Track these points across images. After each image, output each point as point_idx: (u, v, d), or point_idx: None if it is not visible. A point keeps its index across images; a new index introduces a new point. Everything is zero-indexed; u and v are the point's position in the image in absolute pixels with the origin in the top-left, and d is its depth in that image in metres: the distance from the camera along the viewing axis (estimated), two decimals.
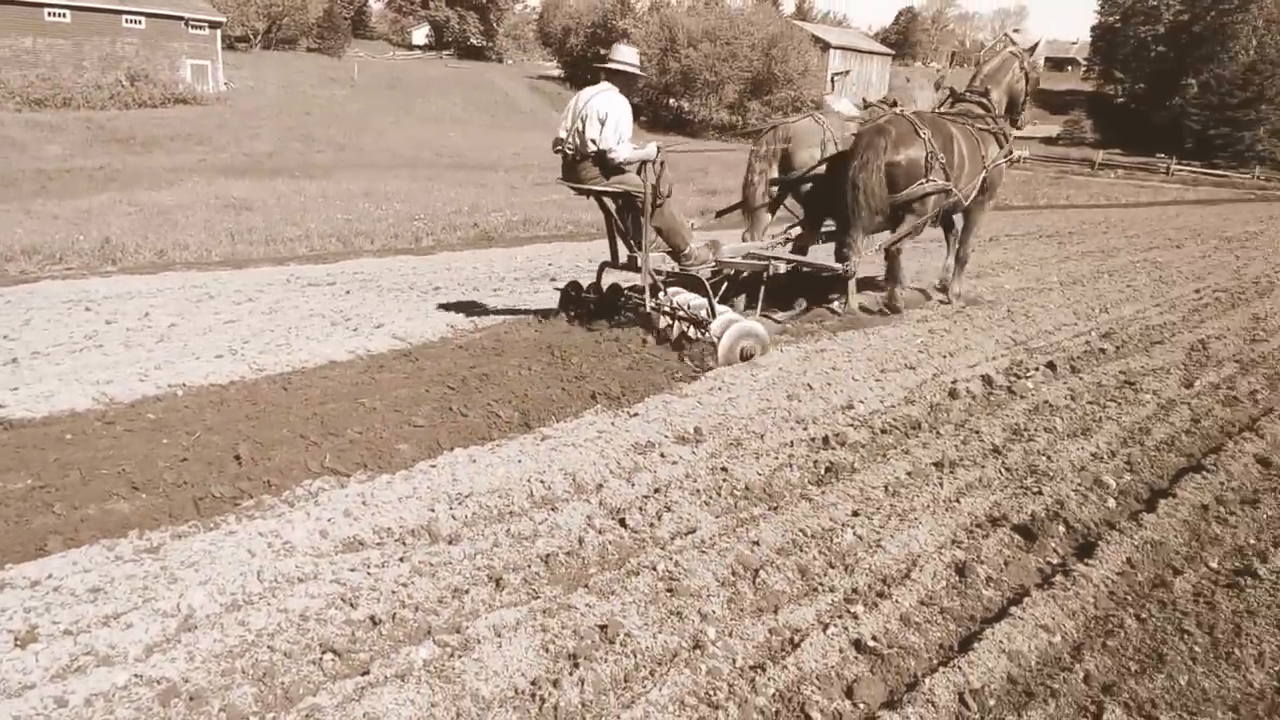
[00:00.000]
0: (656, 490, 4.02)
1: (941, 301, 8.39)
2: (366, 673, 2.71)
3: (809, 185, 7.68)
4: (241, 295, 8.70)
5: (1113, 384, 5.78)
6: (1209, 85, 57.26)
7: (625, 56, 6.32)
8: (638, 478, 4.13)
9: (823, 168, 7.53)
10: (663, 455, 4.43)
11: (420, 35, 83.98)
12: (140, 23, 44.96)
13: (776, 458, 4.42)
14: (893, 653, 2.86)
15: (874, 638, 2.91)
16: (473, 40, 78.84)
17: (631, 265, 6.58)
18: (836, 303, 7.69)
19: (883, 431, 4.85)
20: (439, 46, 79.63)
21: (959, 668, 2.74)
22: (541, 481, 4.04)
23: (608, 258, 6.88)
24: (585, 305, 7.06)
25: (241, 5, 58.09)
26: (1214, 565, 3.46)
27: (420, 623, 2.97)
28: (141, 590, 3.09)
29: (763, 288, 7.10)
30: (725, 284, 6.74)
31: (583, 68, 68.03)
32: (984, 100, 8.13)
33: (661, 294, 6.50)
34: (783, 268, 7.14)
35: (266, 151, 34.18)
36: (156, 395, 5.28)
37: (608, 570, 3.34)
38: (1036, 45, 8.68)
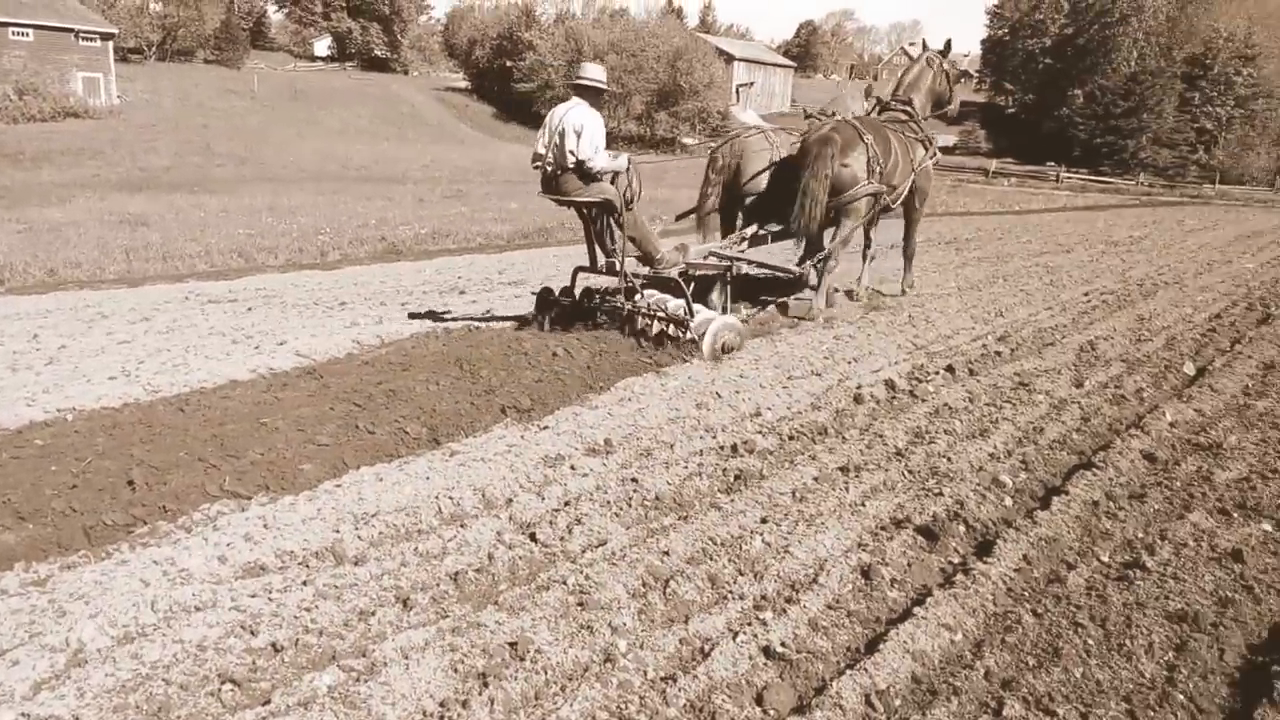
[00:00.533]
0: (567, 503, 4.01)
1: (883, 295, 9.20)
2: (268, 702, 2.63)
3: (757, 196, 8.17)
4: (137, 314, 8.41)
5: (1008, 385, 5.98)
6: (1094, 95, 59.77)
7: (593, 73, 6.70)
8: (548, 491, 4.11)
9: (764, 178, 8.08)
10: (573, 468, 4.42)
11: (322, 46, 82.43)
12: (28, 35, 43.25)
13: (686, 467, 4.44)
14: (801, 658, 2.90)
15: (783, 644, 2.94)
16: (377, 52, 77.82)
17: (610, 270, 7.00)
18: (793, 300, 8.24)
19: (790, 438, 4.92)
20: (342, 58, 78.31)
21: (865, 670, 2.79)
22: (450, 498, 3.99)
23: (530, 269, 7.00)
24: (560, 309, 7.37)
25: (135, 16, 56.36)
26: (1105, 559, 3.59)
27: (324, 648, 2.90)
28: (28, 625, 2.95)
29: (728, 287, 7.59)
30: (691, 285, 7.06)
31: (489, 79, 67.77)
32: (908, 108, 8.85)
33: (638, 296, 6.93)
34: (745, 269, 7.68)
35: (163, 166, 33.10)
36: (45, 420, 5.05)
37: (518, 586, 3.32)
38: (949, 43, 9.38)
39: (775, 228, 8.11)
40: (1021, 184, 48.02)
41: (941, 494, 4.15)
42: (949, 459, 4.62)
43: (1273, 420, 5.39)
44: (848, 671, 2.79)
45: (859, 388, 5.82)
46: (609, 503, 4.02)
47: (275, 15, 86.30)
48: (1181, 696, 2.73)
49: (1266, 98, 60.20)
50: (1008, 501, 4.15)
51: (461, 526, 3.75)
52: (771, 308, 8.18)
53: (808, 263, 8.08)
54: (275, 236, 14.54)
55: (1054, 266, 12.24)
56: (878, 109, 9.10)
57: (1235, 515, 3.99)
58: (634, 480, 4.23)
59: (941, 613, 3.11)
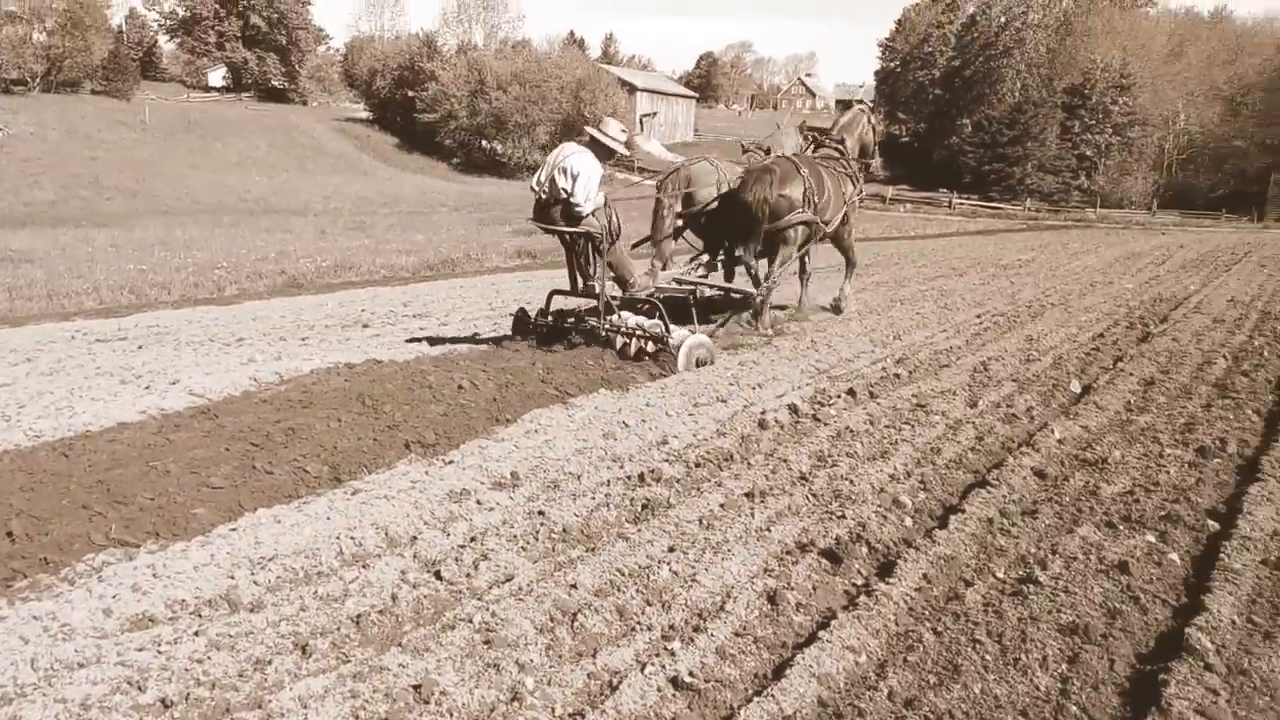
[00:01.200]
0: (473, 539, 3.96)
1: (824, 308, 10.18)
2: None
3: (706, 218, 9.05)
4: (18, 355, 8.04)
5: (906, 407, 6.13)
6: (981, 125, 62.25)
7: (610, 130, 7.45)
8: (453, 527, 4.06)
9: (716, 202, 8.92)
10: (479, 502, 4.37)
11: (217, 77, 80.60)
12: None
13: (594, 498, 4.44)
14: (709, 687, 2.90)
15: (691, 673, 2.94)
16: (274, 82, 76.53)
17: (588, 293, 7.62)
18: (745, 320, 8.96)
19: (697, 465, 4.95)
20: (238, 88, 76.71)
21: (772, 696, 2.81)
22: (352, 538, 3.90)
23: (435, 302, 6.99)
24: (537, 329, 7.92)
25: (17, 47, 54.26)
26: (1000, 575, 3.70)
27: (218, 701, 2.79)
28: None
29: (694, 309, 8.32)
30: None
31: (391, 109, 67.17)
32: (840, 147, 9.85)
33: (615, 316, 7.51)
34: (709, 292, 8.58)
35: (49, 200, 31.87)
36: None
37: (422, 626, 3.25)
38: (875, 104, 10.16)
39: (738, 253, 9.03)
40: (916, 209, 49.63)
41: (844, 516, 4.22)
42: (851, 481, 4.70)
43: (1154, 435, 5.64)
44: (755, 699, 2.81)
45: (763, 413, 5.90)
46: (516, 537, 3.98)
47: (167, 45, 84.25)
48: (1075, 708, 2.82)
49: (1142, 125, 63.49)
50: (908, 521, 4.25)
51: (364, 567, 3.67)
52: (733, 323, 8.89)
53: (764, 285, 8.80)
54: (169, 271, 14.11)
55: (948, 290, 12.65)
56: (812, 145, 10.02)
57: (1121, 528, 4.16)
58: (541, 513, 4.20)
59: (845, 635, 3.16)
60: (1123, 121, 62.58)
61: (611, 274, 7.59)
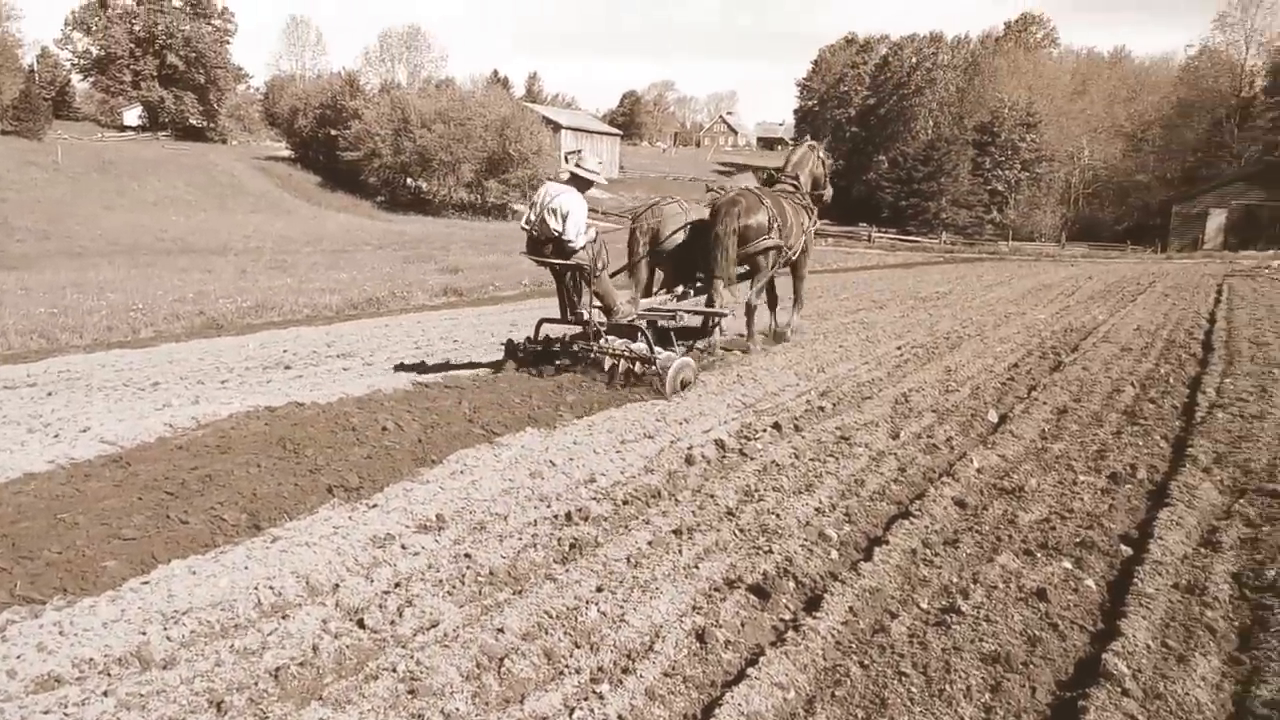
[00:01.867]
0: (397, 585, 3.89)
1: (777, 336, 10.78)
2: None
3: (675, 251, 9.70)
4: None
5: (831, 440, 6.22)
6: (897, 161, 64.10)
7: (588, 164, 8.13)
8: (377, 573, 3.98)
9: (680, 236, 9.61)
10: (403, 547, 4.29)
11: (133, 116, 78.91)
12: None
13: (520, 538, 4.40)
14: None
15: (620, 716, 2.92)
16: (192, 121, 75.21)
17: (577, 320, 8.26)
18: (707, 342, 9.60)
19: (624, 503, 4.95)
20: (154, 127, 75.17)
21: None
22: (271, 588, 3.79)
23: (360, 341, 6.88)
24: (527, 355, 8.50)
25: None
26: (924, 606, 3.76)
27: None
28: None
29: (672, 334, 8.99)
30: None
31: (314, 148, 66.49)
32: (795, 182, 10.65)
33: (603, 340, 8.13)
34: (686, 318, 9.23)
35: None
36: None
37: (345, 678, 3.17)
38: (826, 141, 11.57)
39: (698, 284, 9.82)
40: (838, 243, 50.67)
41: (771, 551, 4.25)
42: (778, 515, 4.74)
43: (1068, 462, 5.81)
44: None
45: (690, 449, 5.93)
46: (441, 581, 3.92)
47: (80, 84, 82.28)
48: None
49: (1049, 161, 66.04)
50: (833, 555, 4.30)
51: (283, 618, 3.57)
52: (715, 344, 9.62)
53: (728, 307, 9.48)
54: (81, 314, 13.65)
55: (869, 322, 12.91)
56: (769, 181, 10.95)
57: (1039, 555, 4.26)
58: (467, 556, 4.15)
59: (774, 671, 3.17)
60: (1030, 158, 65.07)
61: (598, 302, 8.27)
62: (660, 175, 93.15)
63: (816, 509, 4.88)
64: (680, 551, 4.26)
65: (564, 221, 7.73)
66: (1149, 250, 52.87)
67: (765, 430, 6.47)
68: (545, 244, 7.96)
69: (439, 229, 48.22)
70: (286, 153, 71.30)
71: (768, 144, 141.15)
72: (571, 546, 4.33)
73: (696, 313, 9.49)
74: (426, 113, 60.82)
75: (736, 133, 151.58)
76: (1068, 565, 4.13)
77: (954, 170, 62.10)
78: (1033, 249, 53.66)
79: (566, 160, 70.79)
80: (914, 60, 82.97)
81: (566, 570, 4.05)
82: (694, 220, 9.63)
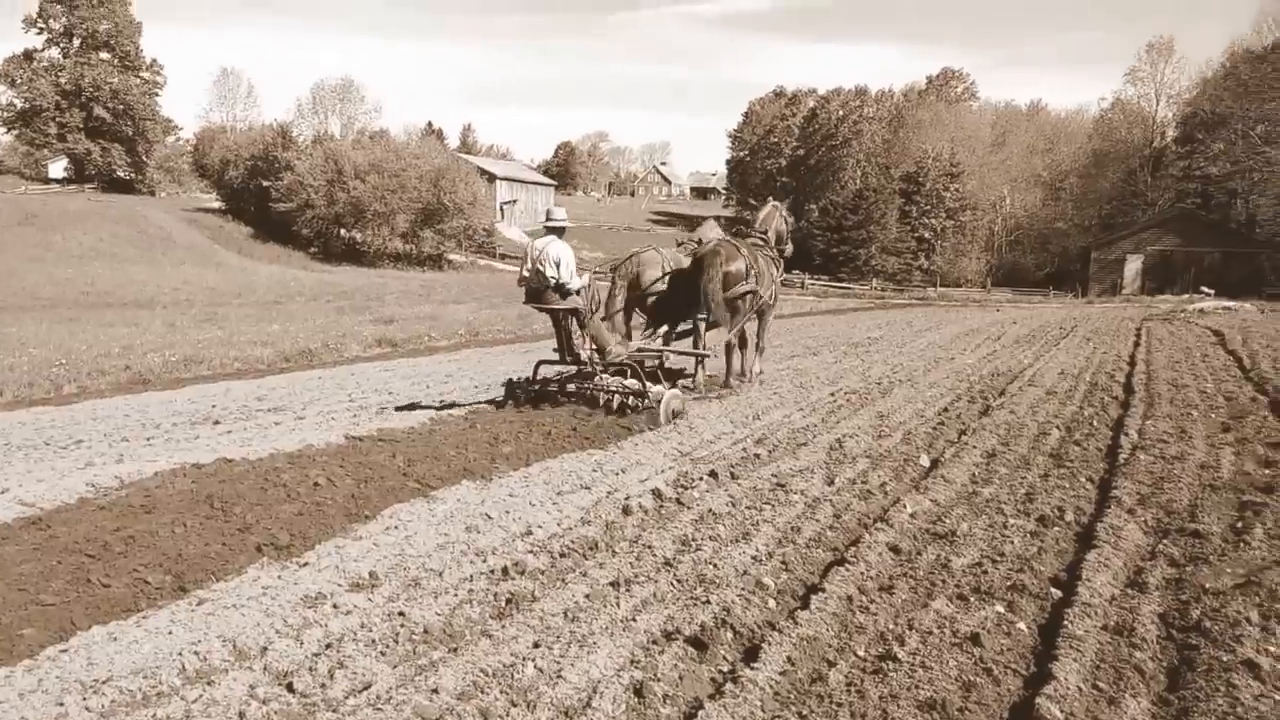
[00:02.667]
0: (328, 646, 3.79)
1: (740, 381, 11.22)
2: None
3: (653, 297, 10.48)
4: None
5: (767, 487, 6.26)
6: (827, 210, 65.56)
7: (559, 216, 9.13)
8: (307, 635, 3.88)
9: (659, 284, 10.43)
10: (335, 606, 4.19)
11: (58, 168, 77.22)
12: None
13: (456, 595, 4.33)
14: None
15: None
16: (119, 173, 73.89)
17: (575, 360, 9.15)
18: (690, 380, 10.63)
19: (561, 555, 4.91)
20: (81, 180, 73.62)
21: None
22: (196, 653, 3.67)
23: (293, 394, 6.80)
24: (526, 394, 9.36)
25: None
26: (861, 654, 3.78)
27: None
28: None
29: (660, 371, 9.94)
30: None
31: (245, 199, 65.68)
32: (764, 236, 11.70)
33: (599, 378, 9.10)
34: (671, 358, 10.35)
35: None
36: None
37: None
38: (787, 201, 13.25)
39: (683, 327, 10.79)
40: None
41: (709, 601, 4.24)
42: (715, 565, 4.74)
43: (998, 506, 5.92)
44: None
45: (628, 499, 5.92)
46: (374, 641, 3.83)
47: (3, 137, 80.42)
48: None
49: (972, 209, 68.13)
50: (771, 604, 4.31)
51: (209, 684, 3.46)
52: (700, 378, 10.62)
53: (722, 336, 10.48)
54: (0, 371, 13.22)
55: (803, 369, 13.07)
56: (738, 234, 12.05)
57: (972, 599, 4.32)
58: (401, 614, 4.07)
59: None
60: (955, 206, 67.08)
61: (592, 344, 9.11)
62: (595, 225, 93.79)
63: (754, 557, 4.89)
64: (618, 604, 4.24)
65: (558, 267, 8.67)
66: (1070, 295, 54.63)
67: (702, 479, 6.49)
68: (543, 291, 8.84)
69: (373, 279, 47.81)
70: (217, 204, 70.27)
71: (701, 194, 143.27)
72: (508, 601, 4.27)
73: (682, 353, 10.58)
74: (360, 164, 60.52)
75: (670, 182, 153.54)
76: (1000, 609, 4.19)
77: (882, 218, 63.66)
78: (960, 294, 55.11)
79: (502, 212, 70.93)
80: (841, 113, 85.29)
81: (503, 626, 3.99)
82: (673, 270, 10.45)
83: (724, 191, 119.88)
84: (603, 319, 9.67)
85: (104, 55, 74.10)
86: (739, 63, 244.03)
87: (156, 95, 78.17)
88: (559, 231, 8.95)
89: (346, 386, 12.14)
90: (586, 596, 4.31)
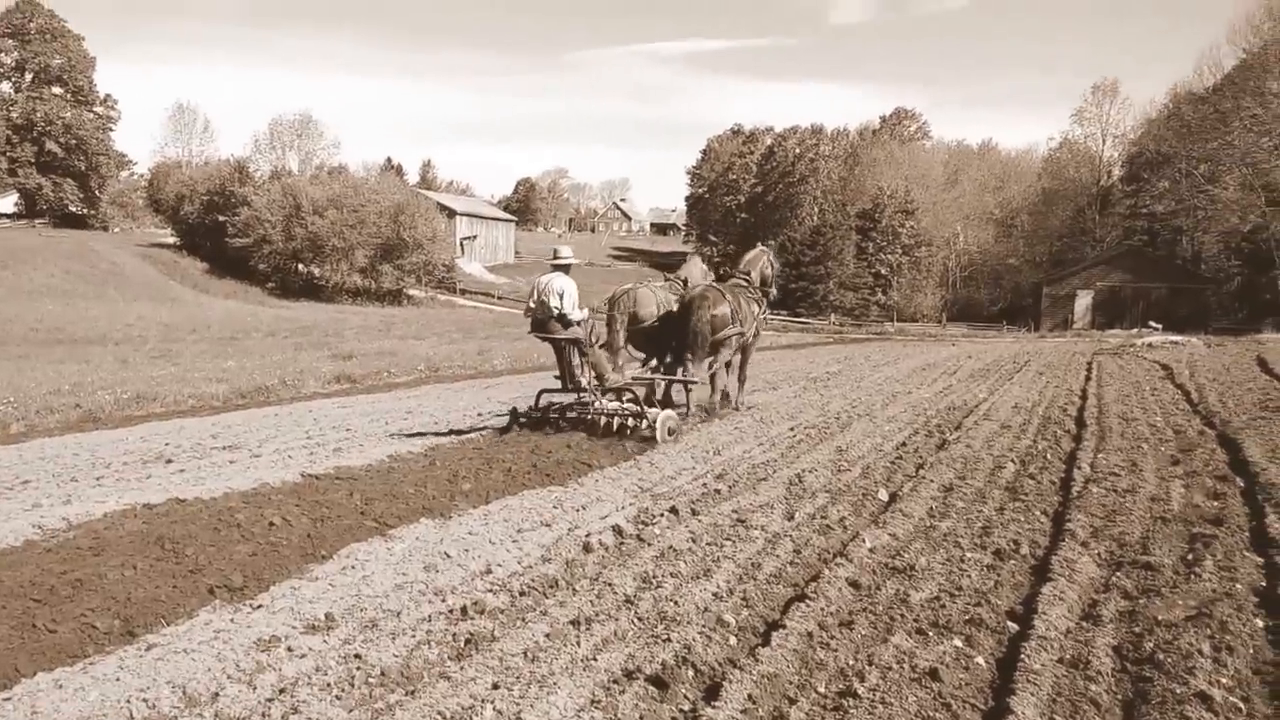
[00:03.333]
0: (282, 690, 3.72)
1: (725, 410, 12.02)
2: None
3: (649, 331, 11.29)
4: None
5: (727, 523, 6.27)
6: (785, 246, 66.34)
7: (565, 254, 10.15)
8: (260, 679, 3.80)
9: (654, 318, 11.28)
10: (290, 649, 4.12)
11: (8, 203, 76.02)
12: None
13: (414, 636, 4.27)
14: None
15: None
16: (72, 208, 72.88)
17: (576, 388, 9.91)
18: (684, 407, 11.33)
19: (521, 594, 4.87)
20: (31, 215, 72.51)
21: None
22: (144, 700, 3.59)
23: (248, 432, 6.68)
24: (529, 420, 10.11)
25: None
26: (822, 690, 3.78)
27: None
28: None
29: (658, 396, 10.99)
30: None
31: (201, 235, 65.08)
32: (747, 277, 12.55)
33: (599, 402, 9.86)
34: (663, 385, 11.22)
35: None
36: None
37: None
38: (774, 246, 13.76)
39: (668, 360, 11.73)
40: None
41: (670, 639, 4.23)
42: (676, 602, 4.73)
43: (955, 539, 5.97)
44: None
45: (588, 536, 5.89)
46: (329, 685, 3.77)
47: None
48: None
49: (927, 246, 69.30)
50: (732, 641, 4.30)
51: None
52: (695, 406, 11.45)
53: (697, 376, 11.25)
54: None
55: (763, 404, 13.13)
56: (723, 275, 13.22)
57: (931, 634, 4.34)
58: (357, 656, 4.01)
59: None
60: (910, 242, 68.20)
61: (592, 372, 9.85)
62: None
63: (715, 594, 4.89)
64: (578, 643, 4.21)
65: (561, 299, 9.54)
66: (1023, 330, 55.55)
67: (662, 515, 6.48)
68: (547, 322, 9.70)
69: (332, 315, 47.43)
70: (172, 239, 69.56)
71: (661, 229, 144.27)
72: (467, 642, 4.23)
73: (673, 380, 11.42)
74: (319, 199, 60.29)
75: (630, 218, 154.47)
76: (958, 643, 4.22)
77: (839, 254, 64.54)
78: (916, 329, 55.85)
79: (462, 248, 70.92)
80: (798, 150, 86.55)
81: (461, 667, 3.95)
82: (665, 312, 11.38)
83: (684, 228, 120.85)
84: (602, 348, 10.41)
85: (57, 90, 73.36)
86: (697, 101, 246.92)
87: (110, 130, 77.49)
88: (565, 268, 9.85)
89: (304, 423, 11.99)
90: (547, 636, 4.28)
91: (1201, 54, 74.98)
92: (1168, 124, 61.18)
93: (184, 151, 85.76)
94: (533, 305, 9.87)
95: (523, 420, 10.07)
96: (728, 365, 12.12)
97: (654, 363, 11.79)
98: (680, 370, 11.38)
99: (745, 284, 12.41)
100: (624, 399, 9.94)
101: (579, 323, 9.62)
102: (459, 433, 10.33)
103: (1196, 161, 56.42)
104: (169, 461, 9.32)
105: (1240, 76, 52.58)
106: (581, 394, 9.93)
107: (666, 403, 11.13)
